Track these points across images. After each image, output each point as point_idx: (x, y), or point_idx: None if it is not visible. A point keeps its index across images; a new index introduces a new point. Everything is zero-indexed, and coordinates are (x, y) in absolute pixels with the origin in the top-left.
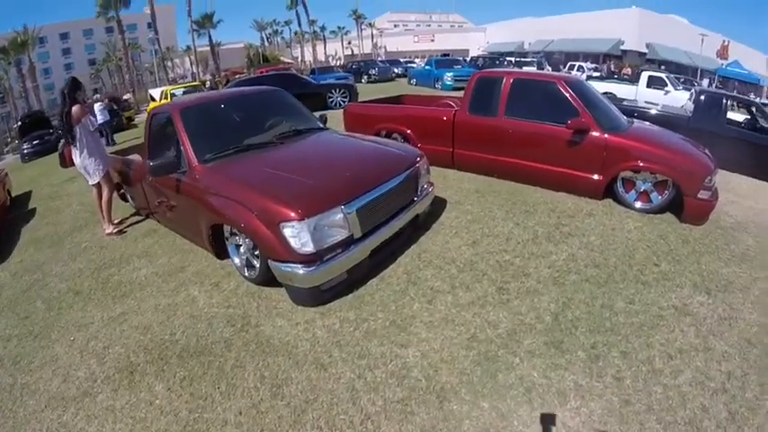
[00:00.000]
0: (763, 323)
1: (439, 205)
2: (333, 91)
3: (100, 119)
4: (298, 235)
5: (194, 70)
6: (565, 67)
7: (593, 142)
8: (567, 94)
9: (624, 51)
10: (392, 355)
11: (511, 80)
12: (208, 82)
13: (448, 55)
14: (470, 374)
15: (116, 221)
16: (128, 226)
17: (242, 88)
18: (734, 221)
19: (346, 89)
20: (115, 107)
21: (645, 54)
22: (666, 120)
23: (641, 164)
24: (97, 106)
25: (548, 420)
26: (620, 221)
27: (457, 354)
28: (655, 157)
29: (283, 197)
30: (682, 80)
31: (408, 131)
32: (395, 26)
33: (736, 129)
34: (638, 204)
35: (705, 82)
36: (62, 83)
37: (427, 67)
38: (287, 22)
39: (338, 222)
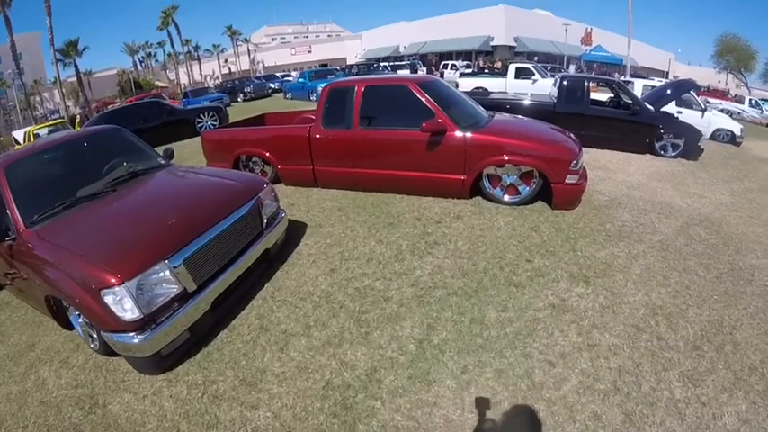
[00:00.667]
0: (649, 302)
1: (297, 231)
2: (201, 115)
3: None
4: (120, 301)
5: (64, 104)
6: (438, 67)
7: (452, 142)
8: (420, 96)
9: (495, 47)
10: (242, 420)
11: (362, 88)
12: (78, 116)
13: (326, 65)
14: (326, 430)
15: None
16: None
17: (74, 132)
18: (607, 198)
19: (215, 112)
20: None
21: (514, 48)
22: (536, 108)
23: (504, 158)
24: None
25: (482, 404)
26: (490, 220)
27: (311, 407)
28: (516, 149)
29: (101, 259)
30: (549, 68)
31: (267, 154)
32: (272, 40)
33: (600, 108)
34: (507, 198)
35: (572, 68)
36: None
37: (301, 80)
38: (160, 44)
39: (165, 278)
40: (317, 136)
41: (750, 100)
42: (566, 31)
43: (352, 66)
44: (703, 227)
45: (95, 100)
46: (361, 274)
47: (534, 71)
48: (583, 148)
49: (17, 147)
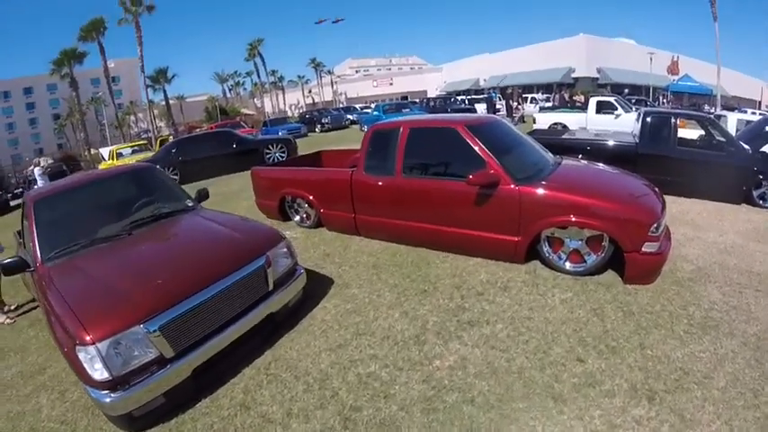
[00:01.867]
0: None
1: (321, 288)
2: (270, 146)
3: (40, 184)
4: (91, 360)
5: (153, 125)
6: (516, 100)
7: (505, 197)
8: (470, 142)
9: (576, 79)
10: None
11: (407, 131)
12: (171, 137)
13: (407, 98)
14: None
15: (13, 307)
16: (23, 312)
17: (107, 169)
18: (694, 268)
19: (284, 144)
20: (64, 168)
21: (597, 79)
22: (617, 149)
23: (566, 218)
24: (36, 171)
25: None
26: (544, 295)
27: None
28: (581, 207)
29: (83, 313)
30: (633, 101)
31: (310, 197)
32: (356, 72)
33: (689, 149)
34: (569, 266)
35: (663, 101)
36: (27, 138)
37: (375, 113)
38: (248, 73)
39: (141, 342)
40: (359, 182)
41: None
42: (651, 59)
43: (429, 99)
44: None
45: (185, 123)
46: (370, 357)
47: (617, 105)
48: (668, 198)
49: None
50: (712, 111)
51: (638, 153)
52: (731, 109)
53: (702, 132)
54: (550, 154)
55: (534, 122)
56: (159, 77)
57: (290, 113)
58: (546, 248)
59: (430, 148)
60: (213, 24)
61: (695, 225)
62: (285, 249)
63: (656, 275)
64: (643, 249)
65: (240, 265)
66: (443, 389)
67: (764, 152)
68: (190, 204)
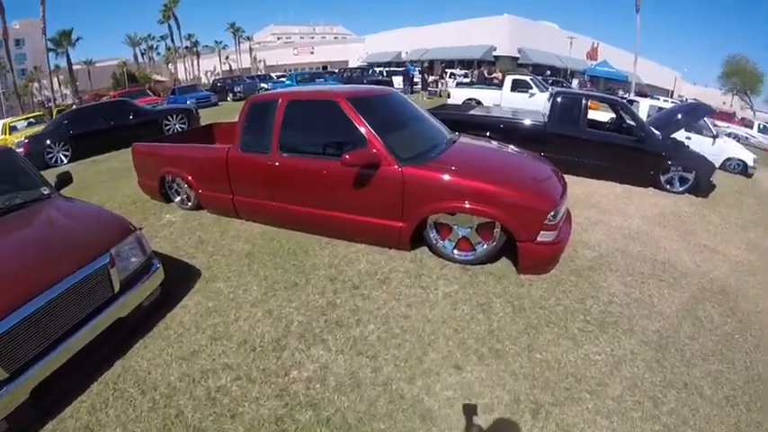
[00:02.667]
0: None
1: (186, 283)
2: (170, 117)
3: None
4: None
5: (53, 93)
6: (439, 75)
7: (387, 179)
8: (352, 116)
9: (497, 57)
10: None
11: (285, 103)
12: (75, 106)
13: (326, 67)
14: None
15: None
16: None
17: None
18: (595, 255)
19: (185, 114)
20: None
21: (517, 59)
22: (523, 128)
23: (452, 203)
24: None
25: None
26: (427, 288)
27: None
28: (470, 192)
29: None
30: (550, 82)
31: (189, 177)
32: (278, 39)
33: (600, 132)
34: (457, 255)
35: (575, 82)
36: None
37: (288, 82)
38: (162, 37)
39: None
40: (235, 160)
41: (759, 125)
42: (570, 44)
43: (346, 69)
44: (716, 303)
45: (91, 91)
46: (223, 367)
47: (532, 84)
48: (576, 179)
49: None
50: (626, 96)
51: (546, 132)
52: (644, 96)
53: (614, 116)
54: (447, 131)
55: (449, 97)
56: (62, 40)
57: (204, 80)
58: (433, 235)
59: (310, 123)
60: None
61: (601, 208)
62: (135, 244)
63: (553, 265)
64: (538, 239)
65: (75, 268)
66: (297, 406)
67: (674, 139)
68: (45, 192)
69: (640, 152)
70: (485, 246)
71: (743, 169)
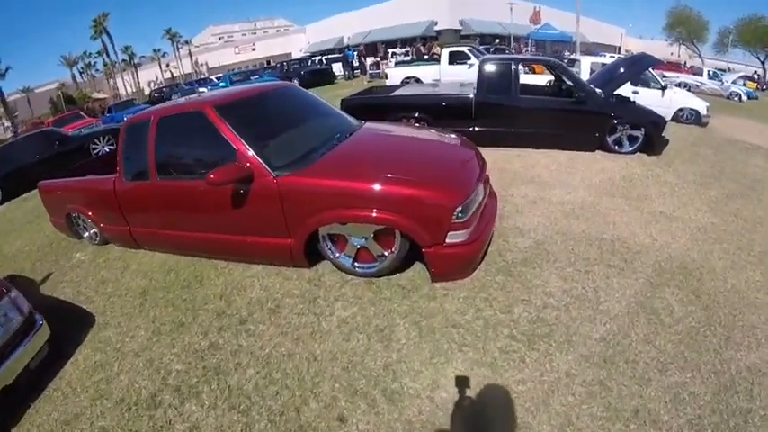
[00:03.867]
0: None
1: (77, 336)
2: (97, 140)
3: None
4: None
5: None
6: (379, 57)
7: (262, 192)
8: (219, 126)
9: (439, 32)
10: None
11: (156, 122)
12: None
13: (269, 62)
14: None
15: None
16: None
17: None
18: (530, 245)
19: (112, 135)
20: None
21: (460, 31)
22: (450, 102)
23: (338, 212)
24: None
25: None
26: (321, 314)
27: None
28: (353, 195)
29: None
30: (492, 50)
31: (89, 212)
32: (219, 39)
33: (534, 98)
34: (358, 268)
35: (523, 47)
36: None
37: (222, 84)
38: (99, 53)
39: None
40: (122, 190)
41: (708, 71)
42: (511, 9)
43: (284, 63)
44: (676, 287)
45: (29, 120)
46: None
47: (470, 55)
48: (512, 152)
49: None
50: (570, 56)
51: (476, 105)
52: (590, 54)
53: (552, 78)
54: (349, 122)
55: (386, 78)
56: None
57: (147, 91)
58: (329, 247)
59: (182, 139)
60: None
61: (541, 182)
62: (9, 306)
63: (472, 268)
64: (447, 240)
65: None
66: None
67: (619, 95)
68: None
69: (582, 114)
70: (387, 255)
71: (696, 119)
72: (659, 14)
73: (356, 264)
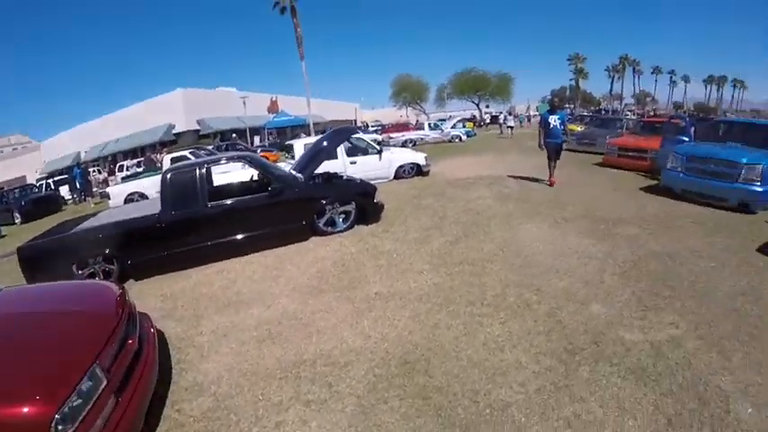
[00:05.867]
0: None
1: None
2: None
3: None
4: None
5: None
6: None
7: None
8: None
9: (178, 134)
10: None
11: None
12: None
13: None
14: None
15: None
16: None
17: None
18: (210, 406)
19: None
20: None
21: (199, 131)
22: (131, 227)
23: None
24: None
25: None
26: None
27: None
28: None
29: None
30: (225, 147)
31: None
32: None
33: (224, 202)
34: None
35: (257, 139)
36: None
37: None
38: None
39: None
40: None
41: (429, 124)
42: (244, 103)
43: (3, 192)
44: (396, 398)
45: None
46: None
47: (191, 157)
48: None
49: None
50: (305, 136)
51: (162, 226)
52: (323, 132)
53: (254, 174)
54: None
55: (109, 198)
56: None
57: None
58: None
59: None
60: None
61: (239, 302)
62: None
63: None
64: None
65: None
66: None
67: (326, 173)
68: None
69: (283, 205)
70: None
71: (418, 171)
72: (386, 85)
73: None
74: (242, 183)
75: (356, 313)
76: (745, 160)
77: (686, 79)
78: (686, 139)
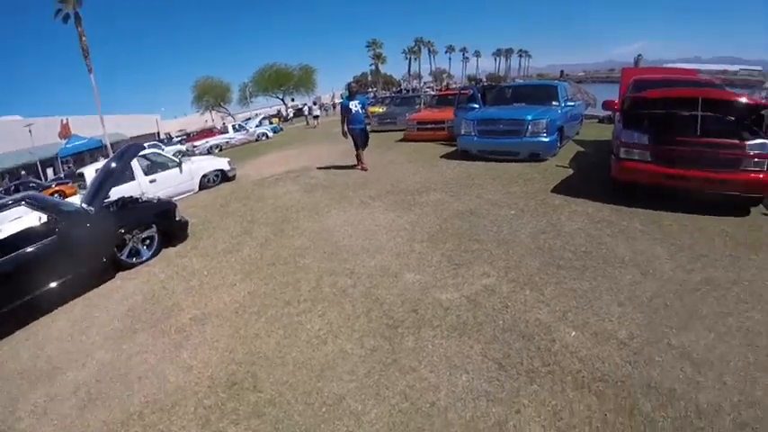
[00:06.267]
0: None
1: None
2: None
3: None
4: None
5: None
6: None
7: None
8: None
9: None
10: None
11: None
12: None
13: None
14: None
15: None
16: None
17: None
18: None
19: None
20: None
21: None
22: None
23: None
24: None
25: None
26: None
27: None
28: None
29: None
30: (13, 188)
31: None
32: None
33: (9, 259)
34: None
35: (50, 172)
36: None
37: None
38: None
39: None
40: None
41: (233, 126)
42: (30, 132)
43: None
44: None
45: None
46: None
47: None
48: None
49: None
50: (102, 159)
51: None
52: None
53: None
54: None
55: None
56: None
57: None
58: None
59: None
60: None
61: (43, 372)
62: None
63: None
64: None
65: None
66: None
67: (120, 199)
68: None
69: (75, 246)
70: None
71: (224, 177)
72: (187, 91)
73: None
74: (31, 229)
75: (174, 346)
76: (530, 117)
77: (478, 54)
78: (476, 106)
